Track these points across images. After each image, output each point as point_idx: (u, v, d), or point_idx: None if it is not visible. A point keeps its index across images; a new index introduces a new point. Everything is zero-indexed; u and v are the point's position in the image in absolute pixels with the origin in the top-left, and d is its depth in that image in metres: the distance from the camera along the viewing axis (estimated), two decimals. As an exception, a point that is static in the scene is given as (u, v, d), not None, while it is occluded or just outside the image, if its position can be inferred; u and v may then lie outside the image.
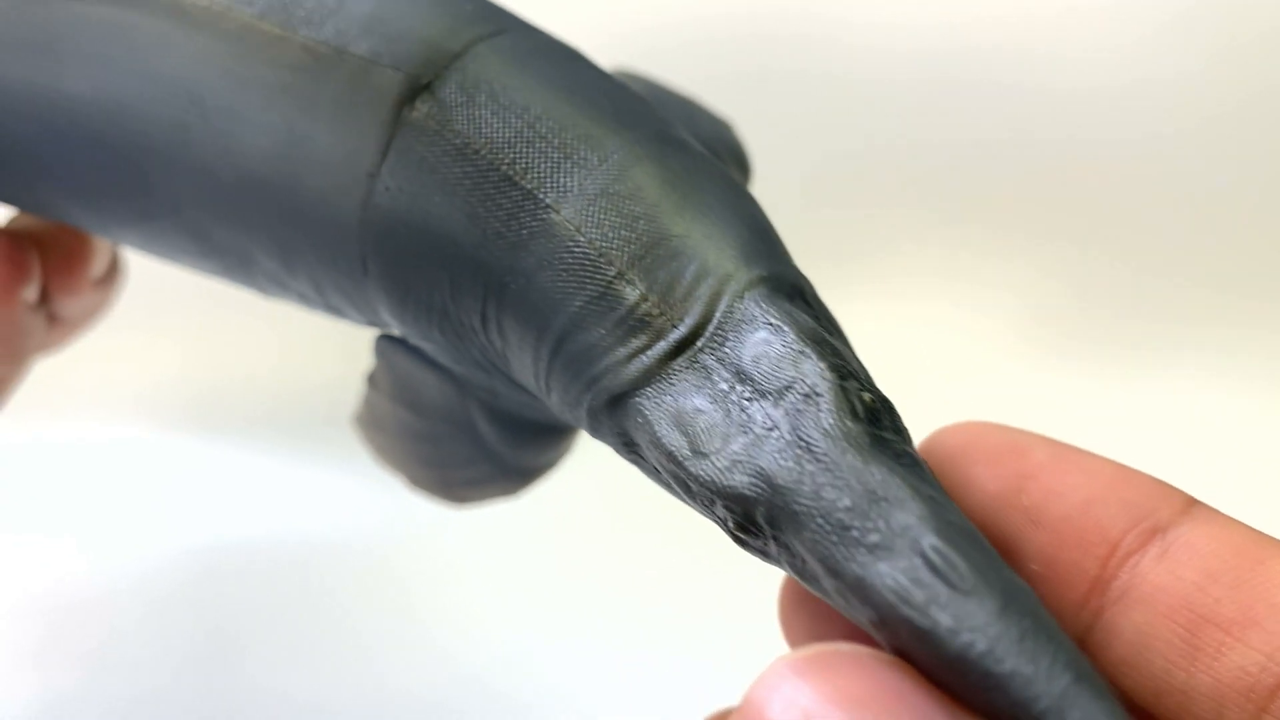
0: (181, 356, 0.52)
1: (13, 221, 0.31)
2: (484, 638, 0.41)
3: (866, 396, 0.17)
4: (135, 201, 0.25)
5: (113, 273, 0.33)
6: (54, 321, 0.31)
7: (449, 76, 0.21)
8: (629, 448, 0.20)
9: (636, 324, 0.19)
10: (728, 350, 0.18)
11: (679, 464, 0.18)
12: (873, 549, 0.16)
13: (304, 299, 0.25)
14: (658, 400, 0.19)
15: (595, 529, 0.45)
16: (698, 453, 0.18)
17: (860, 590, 0.16)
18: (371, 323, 0.25)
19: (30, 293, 0.29)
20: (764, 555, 0.18)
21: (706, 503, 0.18)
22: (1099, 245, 0.52)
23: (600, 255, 0.20)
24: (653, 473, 0.20)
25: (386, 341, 0.26)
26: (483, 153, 0.21)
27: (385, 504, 0.45)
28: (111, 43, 0.24)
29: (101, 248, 0.32)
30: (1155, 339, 0.51)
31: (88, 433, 0.50)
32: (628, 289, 0.19)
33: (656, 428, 0.19)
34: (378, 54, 0.22)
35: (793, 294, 0.19)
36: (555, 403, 0.21)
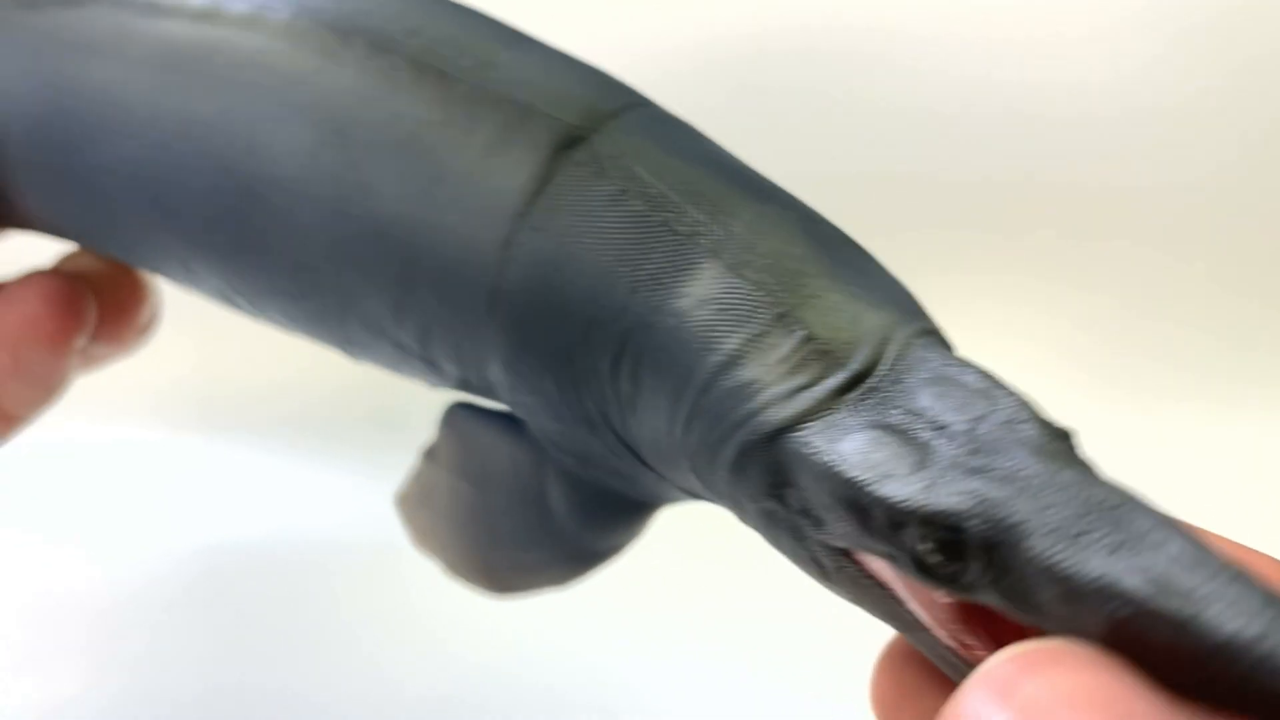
0: (189, 358, 0.52)
1: (69, 261, 0.31)
2: (489, 639, 0.41)
3: (1056, 423, 0.18)
4: (244, 236, 0.25)
5: (152, 321, 0.33)
6: (85, 358, 0.31)
7: (605, 132, 0.23)
8: (776, 489, 0.20)
9: (800, 363, 0.20)
10: (902, 389, 0.19)
11: (861, 488, 0.18)
12: (1114, 549, 0.16)
13: (399, 349, 0.25)
14: (827, 433, 0.19)
15: None
16: (887, 476, 0.18)
17: (1103, 589, 0.16)
18: (465, 380, 0.25)
19: (82, 341, 0.30)
20: (952, 581, 0.18)
21: (892, 527, 0.18)
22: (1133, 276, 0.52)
23: (764, 296, 0.20)
24: (790, 519, 0.20)
25: (459, 409, 0.27)
26: (640, 201, 0.22)
27: (383, 503, 0.45)
28: (250, 69, 0.24)
29: (152, 296, 0.32)
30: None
31: (92, 433, 0.50)
32: (792, 330, 0.20)
33: (828, 456, 0.19)
34: (535, 104, 0.23)
35: (948, 346, 0.20)
36: (692, 445, 0.21)
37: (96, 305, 0.30)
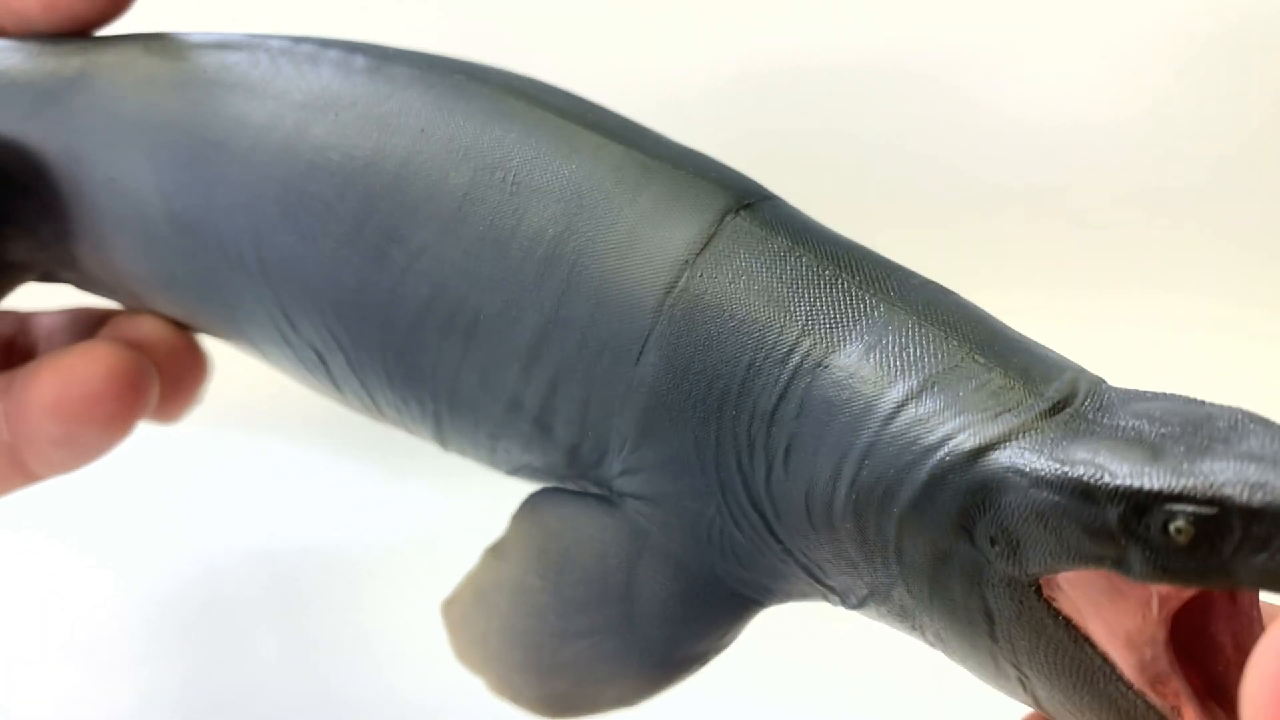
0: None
1: (125, 327, 0.30)
2: None
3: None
4: (377, 273, 0.25)
5: (201, 395, 0.32)
6: None
7: (762, 205, 0.24)
8: (967, 517, 0.20)
9: (997, 391, 0.20)
10: (1108, 411, 0.20)
11: (1097, 482, 0.18)
12: None
13: (512, 408, 0.25)
14: (1041, 447, 0.19)
15: None
16: (1126, 465, 0.18)
17: None
18: (573, 447, 0.24)
19: (134, 424, 0.28)
20: (1199, 563, 0.18)
21: (1134, 515, 0.18)
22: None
23: (950, 337, 0.21)
24: (971, 556, 0.20)
25: (546, 494, 0.25)
26: (810, 256, 0.23)
27: (396, 504, 0.45)
28: (406, 110, 0.25)
29: (209, 370, 0.31)
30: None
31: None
32: (984, 364, 0.21)
33: (1050, 462, 0.19)
34: (702, 175, 0.24)
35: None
36: (864, 485, 0.21)
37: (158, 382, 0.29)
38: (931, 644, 0.23)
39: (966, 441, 0.20)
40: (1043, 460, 0.19)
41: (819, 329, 0.22)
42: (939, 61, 0.54)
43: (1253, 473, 0.17)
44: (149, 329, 0.31)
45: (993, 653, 0.21)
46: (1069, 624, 0.19)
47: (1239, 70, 0.53)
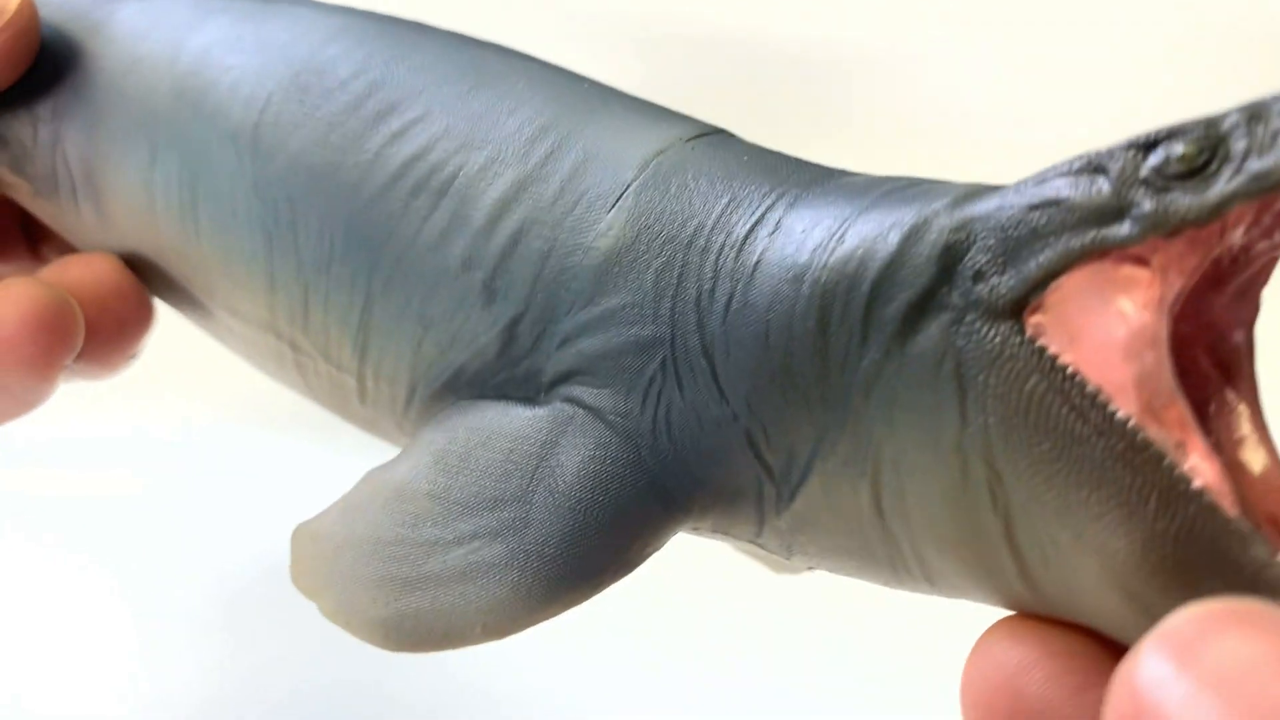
0: (186, 356, 0.49)
1: (57, 270, 0.29)
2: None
3: None
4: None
5: (143, 346, 0.30)
6: (70, 375, 0.29)
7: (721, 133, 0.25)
8: (955, 248, 0.19)
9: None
10: None
11: (1092, 154, 0.18)
12: None
13: (461, 271, 0.24)
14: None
15: None
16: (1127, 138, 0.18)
17: None
18: (524, 305, 0.23)
19: (60, 367, 0.27)
20: (1201, 202, 0.17)
21: (1143, 150, 0.18)
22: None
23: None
24: (952, 303, 0.19)
25: (455, 407, 0.24)
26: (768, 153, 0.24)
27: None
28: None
29: (152, 319, 0.30)
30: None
31: (87, 432, 0.50)
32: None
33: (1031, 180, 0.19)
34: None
35: None
36: (846, 246, 0.20)
37: (92, 325, 0.28)
38: (879, 517, 0.20)
39: (946, 196, 0.20)
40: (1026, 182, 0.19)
41: (800, 179, 0.22)
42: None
43: (1246, 103, 0.17)
44: (86, 270, 0.29)
45: (960, 448, 0.19)
46: (1054, 361, 0.18)
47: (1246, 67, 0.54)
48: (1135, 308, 0.17)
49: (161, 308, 0.30)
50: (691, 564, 0.38)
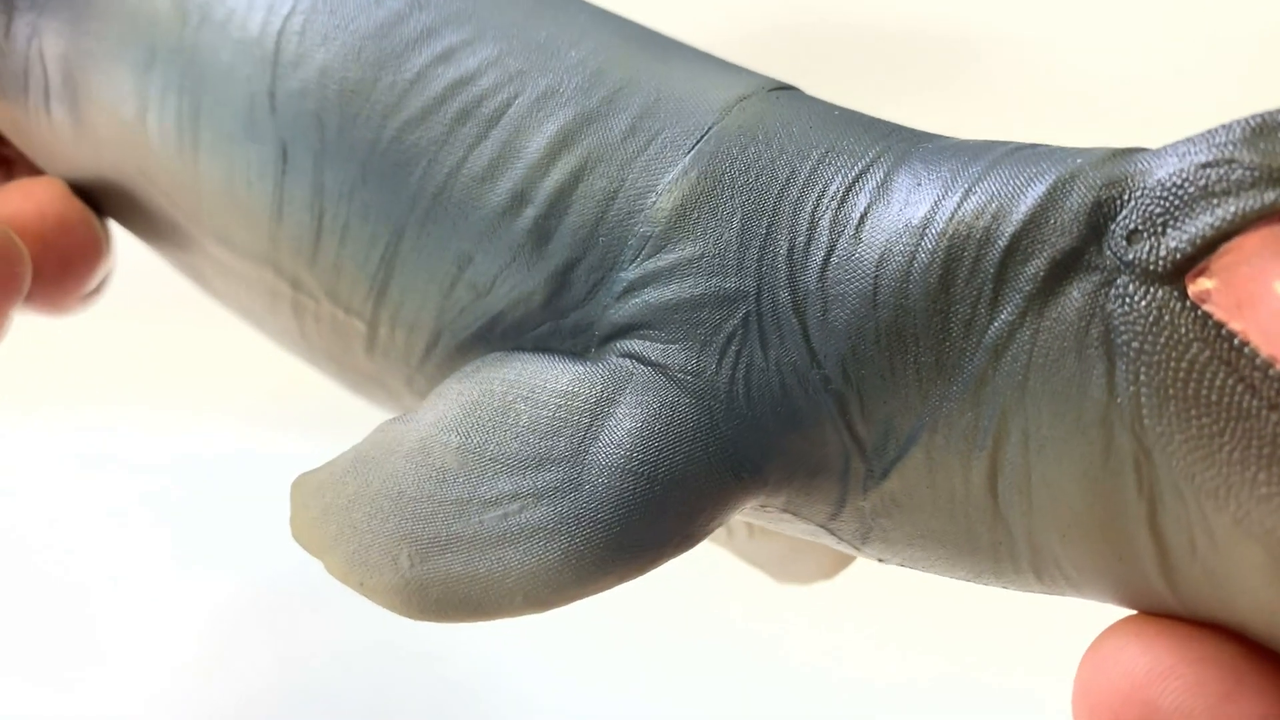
0: (185, 356, 0.51)
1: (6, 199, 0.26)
2: (483, 639, 0.37)
3: None
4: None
5: (99, 290, 0.28)
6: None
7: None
8: (1107, 205, 0.17)
9: None
10: None
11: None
12: None
13: (510, 208, 0.22)
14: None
15: None
16: None
17: None
18: (566, 269, 0.21)
19: (8, 312, 0.25)
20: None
21: None
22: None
23: None
24: (1101, 265, 0.17)
25: (489, 358, 0.22)
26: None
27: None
28: None
29: (109, 256, 0.27)
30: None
31: (88, 433, 0.49)
32: None
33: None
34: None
35: None
36: (982, 194, 0.19)
37: (40, 262, 0.25)
38: (992, 498, 0.18)
39: (1087, 155, 0.18)
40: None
41: (902, 135, 0.21)
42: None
43: None
44: (25, 201, 0.26)
45: (1105, 421, 0.17)
46: (1221, 328, 0.16)
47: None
48: None
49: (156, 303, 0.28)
50: (695, 572, 0.39)
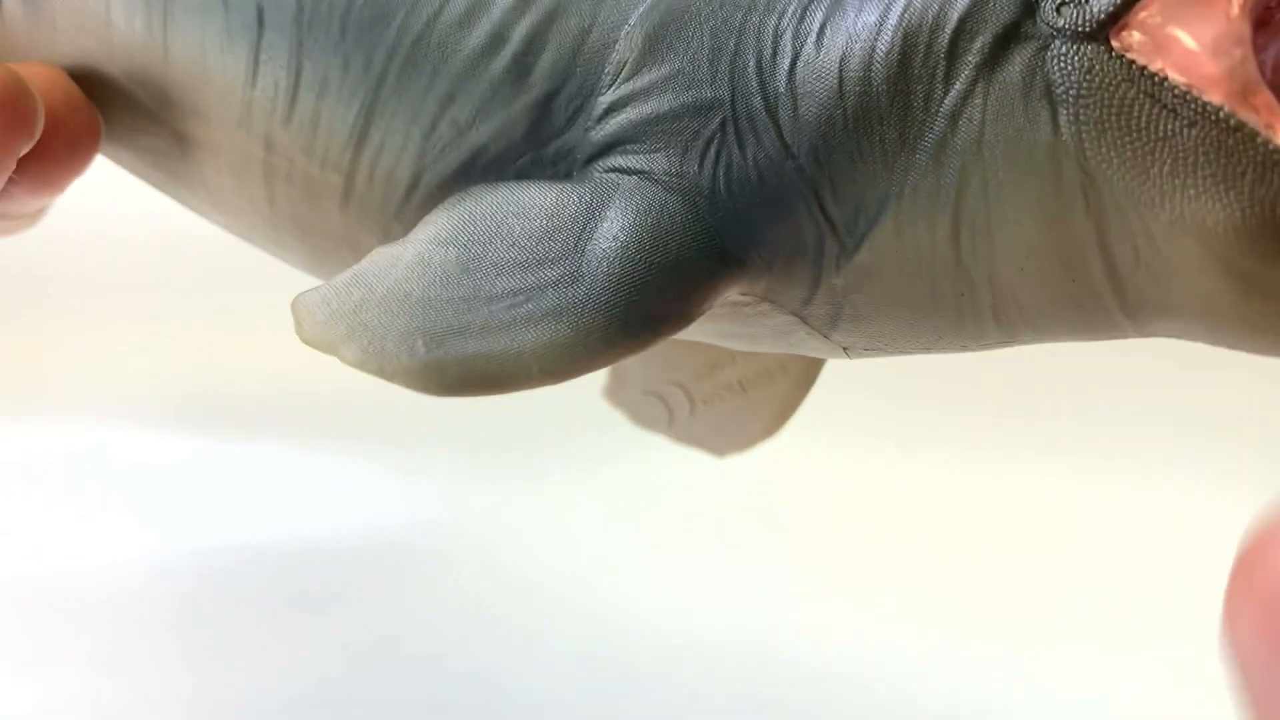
0: (184, 355, 0.52)
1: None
2: (483, 640, 0.40)
3: None
4: None
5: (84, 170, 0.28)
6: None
7: None
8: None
9: None
10: None
11: None
12: None
13: (489, 47, 0.23)
14: None
15: (601, 539, 0.44)
16: None
17: None
18: (546, 99, 0.22)
19: (13, 158, 0.24)
20: None
21: None
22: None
23: None
24: (1037, 32, 0.20)
25: (475, 188, 0.23)
26: None
27: (384, 502, 0.46)
28: None
29: (99, 142, 0.27)
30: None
31: (89, 432, 0.50)
32: None
33: None
34: None
35: None
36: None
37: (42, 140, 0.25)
38: (955, 248, 0.21)
39: None
40: None
41: None
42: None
43: None
44: (32, 77, 0.26)
45: (1054, 156, 0.20)
46: (1143, 69, 0.19)
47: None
48: (1219, 13, 0.19)
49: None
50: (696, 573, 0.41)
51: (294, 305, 0.22)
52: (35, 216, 0.29)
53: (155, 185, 0.28)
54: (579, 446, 0.42)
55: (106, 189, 0.30)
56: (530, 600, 0.42)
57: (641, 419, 0.31)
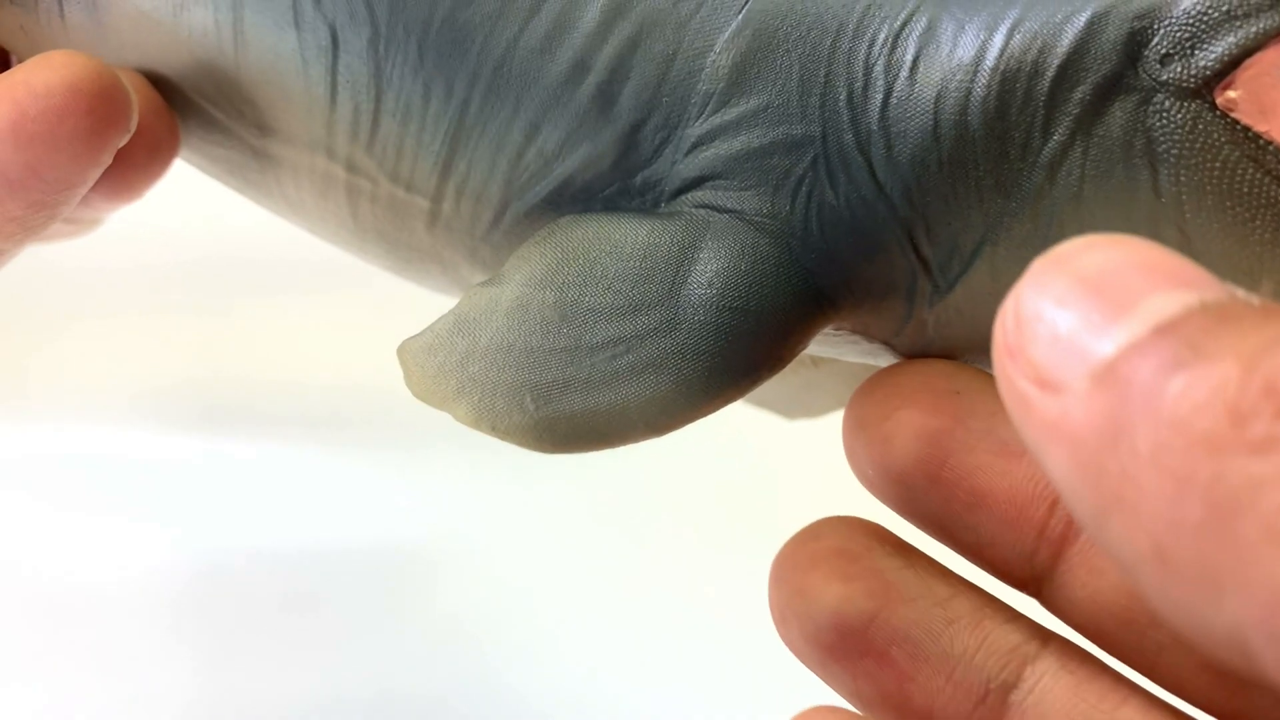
0: (186, 356, 0.52)
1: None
2: (487, 640, 0.41)
3: None
4: None
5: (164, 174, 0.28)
6: (81, 206, 0.26)
7: None
8: (1140, 33, 0.20)
9: None
10: None
11: None
12: None
13: (571, 77, 0.23)
14: None
15: (601, 538, 0.44)
16: None
17: None
18: (633, 130, 0.23)
19: (111, 153, 0.24)
20: None
21: None
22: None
23: None
24: (1139, 85, 0.20)
25: (565, 220, 0.23)
26: None
27: (384, 502, 0.46)
28: None
29: (178, 147, 0.27)
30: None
31: (89, 434, 0.49)
32: None
33: None
34: None
35: None
36: (1026, 32, 0.21)
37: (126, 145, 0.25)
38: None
39: None
40: None
41: None
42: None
43: None
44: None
45: (1152, 217, 0.20)
46: (1247, 131, 0.19)
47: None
48: None
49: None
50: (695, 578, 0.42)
51: (400, 354, 0.23)
52: (97, 222, 0.29)
53: (232, 189, 0.29)
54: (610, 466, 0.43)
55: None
56: (531, 600, 0.43)
57: None
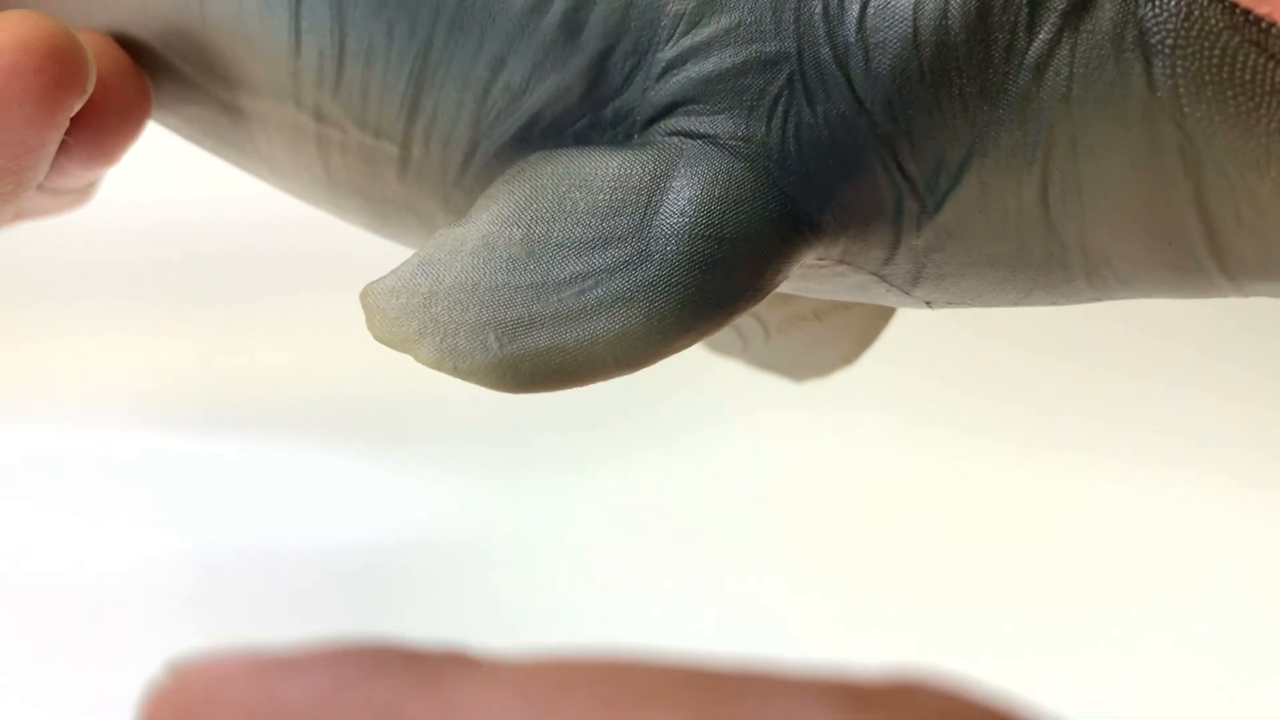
0: (186, 356, 0.52)
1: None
2: (486, 640, 0.38)
3: None
4: None
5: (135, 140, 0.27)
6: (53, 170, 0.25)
7: None
8: None
9: None
10: None
11: None
12: None
13: (537, 7, 0.22)
14: None
15: (601, 539, 0.44)
16: None
17: None
18: (601, 58, 0.22)
19: (66, 114, 0.23)
20: None
21: None
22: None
23: None
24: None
25: (535, 156, 0.22)
26: None
27: (397, 502, 0.45)
28: None
29: (150, 110, 0.26)
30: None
31: (89, 434, 0.50)
32: None
33: None
34: None
35: None
36: None
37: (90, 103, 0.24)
38: (1044, 209, 0.20)
39: None
40: None
41: None
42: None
43: None
44: (89, 43, 0.25)
45: (1148, 114, 0.19)
46: (1248, 14, 0.18)
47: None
48: None
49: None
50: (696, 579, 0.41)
51: (363, 297, 0.22)
52: (85, 193, 0.29)
53: (208, 150, 0.28)
54: (582, 446, 0.43)
55: (107, 188, 0.29)
56: (531, 600, 0.42)
57: (716, 346, 0.31)
